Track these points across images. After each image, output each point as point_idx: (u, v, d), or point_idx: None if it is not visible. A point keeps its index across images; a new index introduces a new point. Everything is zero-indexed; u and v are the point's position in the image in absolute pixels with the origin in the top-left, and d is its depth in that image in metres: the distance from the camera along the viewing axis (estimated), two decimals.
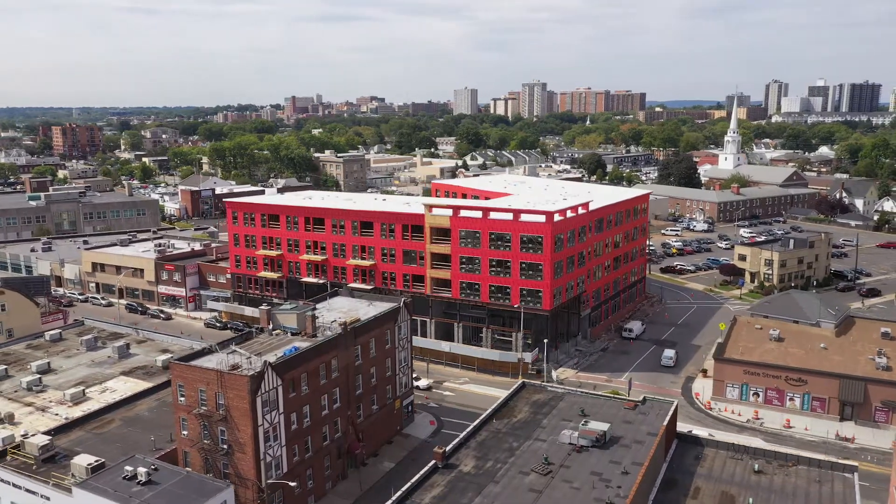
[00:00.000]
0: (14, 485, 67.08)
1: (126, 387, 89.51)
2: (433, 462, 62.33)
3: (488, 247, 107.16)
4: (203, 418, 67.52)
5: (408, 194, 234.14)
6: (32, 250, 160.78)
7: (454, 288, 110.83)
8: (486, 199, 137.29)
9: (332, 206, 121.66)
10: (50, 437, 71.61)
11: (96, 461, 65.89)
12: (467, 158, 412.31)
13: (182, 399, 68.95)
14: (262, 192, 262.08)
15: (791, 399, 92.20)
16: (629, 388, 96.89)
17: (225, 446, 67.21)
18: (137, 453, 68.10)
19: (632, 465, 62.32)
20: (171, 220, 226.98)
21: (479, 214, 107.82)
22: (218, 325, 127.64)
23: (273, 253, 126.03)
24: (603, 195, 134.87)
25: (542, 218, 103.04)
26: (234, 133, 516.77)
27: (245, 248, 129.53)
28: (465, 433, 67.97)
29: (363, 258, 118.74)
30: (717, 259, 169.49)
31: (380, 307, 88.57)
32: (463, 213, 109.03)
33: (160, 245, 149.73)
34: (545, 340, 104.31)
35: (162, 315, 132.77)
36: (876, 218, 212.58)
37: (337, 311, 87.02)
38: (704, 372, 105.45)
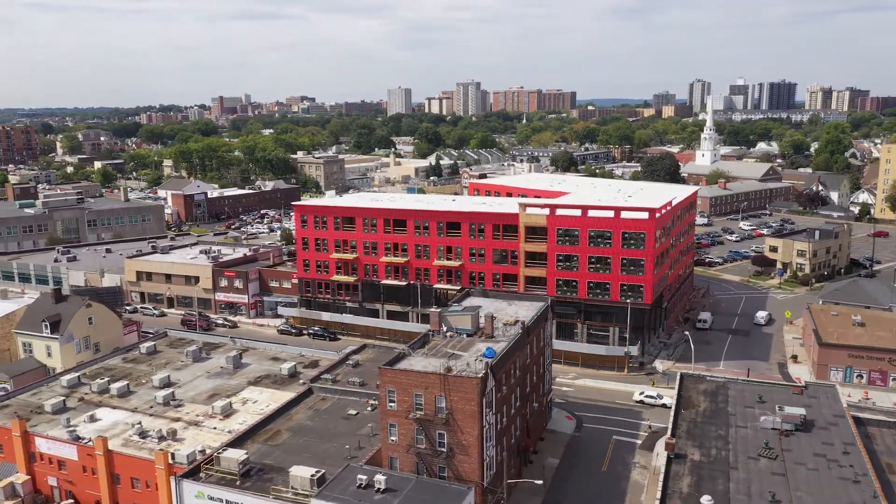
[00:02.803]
0: (228, 501, 65.02)
1: (263, 397, 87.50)
2: (667, 453, 64.44)
3: (587, 244, 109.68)
4: (419, 423, 67.20)
5: (387, 192, 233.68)
6: (56, 261, 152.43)
7: (549, 285, 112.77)
8: (548, 198, 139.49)
9: (415, 208, 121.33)
10: (245, 452, 69.73)
11: (317, 472, 64.80)
12: (431, 159, 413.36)
13: (392, 404, 68.35)
14: (258, 193, 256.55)
15: (894, 379, 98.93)
16: (748, 375, 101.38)
17: (443, 449, 67.14)
18: (329, 463, 67.21)
19: (843, 444, 66.22)
20: (167, 226, 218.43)
21: (577, 213, 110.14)
22: (293, 331, 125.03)
23: (348, 256, 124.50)
24: (652, 192, 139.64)
25: (645, 215, 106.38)
26: (180, 135, 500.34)
27: (315, 252, 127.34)
28: (670, 424, 70.33)
29: (449, 259, 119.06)
30: (739, 251, 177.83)
31: (525, 306, 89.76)
32: (560, 211, 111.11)
33: (208, 251, 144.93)
34: (646, 333, 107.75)
35: (227, 323, 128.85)
36: (857, 210, 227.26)
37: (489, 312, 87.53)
38: (794, 358, 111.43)
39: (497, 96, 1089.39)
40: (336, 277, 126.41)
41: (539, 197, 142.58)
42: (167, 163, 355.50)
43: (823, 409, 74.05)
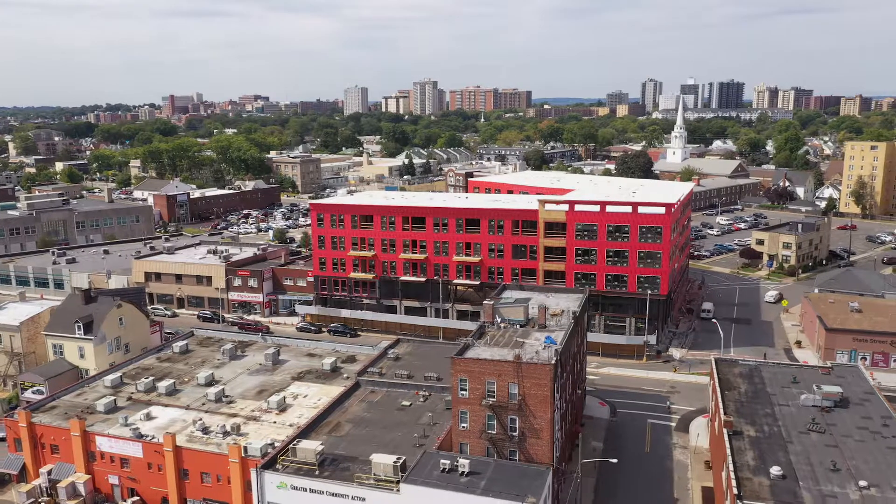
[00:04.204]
0: (311, 490, 66.90)
1: (312, 391, 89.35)
2: (726, 430, 68.98)
3: (605, 238, 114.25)
4: (492, 409, 70.25)
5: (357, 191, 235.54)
6: (55, 263, 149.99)
7: (568, 278, 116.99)
8: (551, 194, 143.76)
9: (435, 206, 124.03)
10: (321, 443, 71.64)
11: (399, 458, 67.21)
12: (402, 158, 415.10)
13: (464, 392, 71.20)
14: (239, 193, 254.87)
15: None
16: (765, 357, 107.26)
17: (515, 434, 70.35)
18: (400, 451, 69.57)
19: (882, 418, 71.88)
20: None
21: (596, 208, 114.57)
22: (312, 328, 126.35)
23: (366, 253, 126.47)
24: (652, 188, 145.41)
25: (661, 210, 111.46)
26: (140, 135, 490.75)
27: (332, 250, 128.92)
28: (719, 405, 74.99)
29: (468, 255, 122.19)
30: (723, 244, 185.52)
31: (564, 298, 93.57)
32: (579, 207, 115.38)
33: (216, 251, 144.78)
34: (664, 323, 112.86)
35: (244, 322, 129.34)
36: (824, 205, 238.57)
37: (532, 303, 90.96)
38: (798, 343, 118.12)
39: (454, 95, 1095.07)
40: (353, 275, 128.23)
41: (541, 194, 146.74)
42: (134, 163, 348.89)
43: (854, 387, 79.77)
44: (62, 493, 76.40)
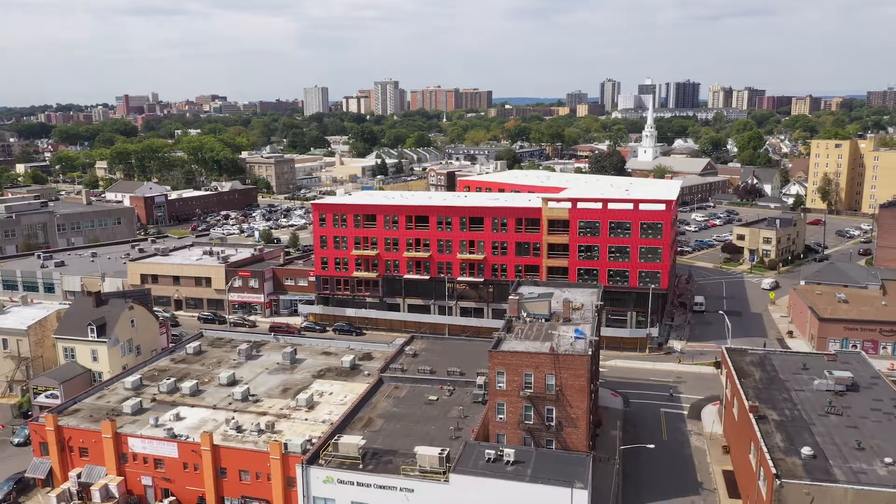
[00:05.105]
0: (359, 483, 68.11)
1: (336, 388, 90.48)
2: (752, 415, 72.42)
3: (607, 235, 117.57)
4: (529, 400, 72.48)
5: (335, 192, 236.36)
6: (43, 266, 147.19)
7: (571, 274, 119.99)
8: (543, 192, 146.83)
9: (438, 204, 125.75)
10: (362, 437, 72.87)
11: (443, 450, 68.90)
12: (372, 158, 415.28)
13: (501, 385, 73.31)
14: (217, 195, 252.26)
15: (884, 347, 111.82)
16: (764, 346, 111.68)
17: (552, 423, 72.72)
18: (437, 444, 71.27)
19: (892, 400, 76.26)
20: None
21: (598, 206, 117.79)
22: (317, 327, 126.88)
23: (369, 252, 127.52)
24: (641, 186, 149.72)
25: (662, 206, 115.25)
26: (100, 136, 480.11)
27: (334, 250, 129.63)
28: (740, 391, 78.54)
29: (472, 252, 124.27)
30: (703, 240, 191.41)
31: (579, 292, 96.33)
32: (581, 205, 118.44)
33: (212, 252, 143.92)
34: (663, 316, 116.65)
35: (247, 323, 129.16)
36: (791, 201, 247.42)
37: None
38: (790, 333, 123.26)
39: (415, 95, 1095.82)
40: (356, 274, 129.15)
41: (534, 192, 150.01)
42: (100, 164, 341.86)
43: (860, 372, 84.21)
44: (96, 496, 76.05)
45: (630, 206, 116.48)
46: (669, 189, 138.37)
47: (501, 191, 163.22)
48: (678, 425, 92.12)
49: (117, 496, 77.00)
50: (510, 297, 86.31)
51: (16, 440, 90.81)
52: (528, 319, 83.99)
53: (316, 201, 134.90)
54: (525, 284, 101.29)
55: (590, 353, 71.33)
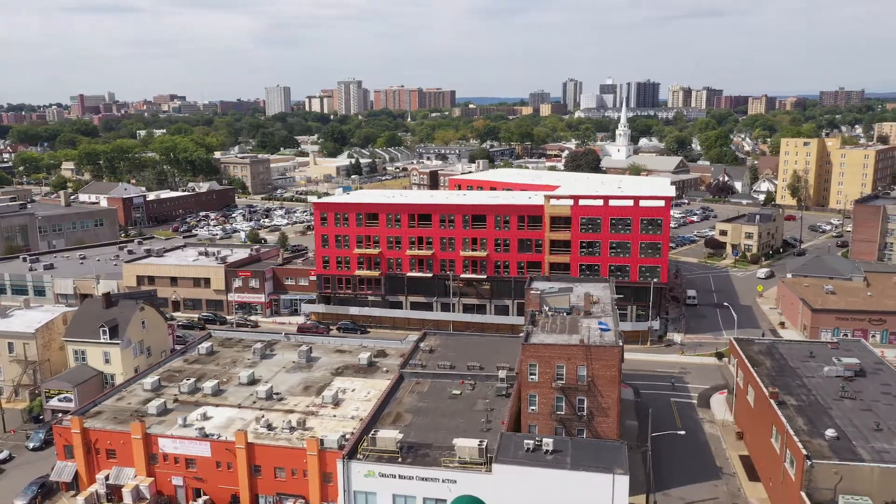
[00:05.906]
0: (401, 476, 69.18)
1: (358, 385, 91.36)
2: (773, 400, 75.60)
3: (608, 231, 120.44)
4: (561, 391, 74.47)
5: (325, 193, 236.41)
6: (31, 269, 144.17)
7: (573, 269, 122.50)
8: (536, 191, 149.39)
9: (442, 202, 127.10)
10: (399, 432, 73.90)
11: (482, 441, 70.42)
12: (343, 157, 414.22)
13: (533, 377, 75.16)
14: (195, 195, 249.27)
15: (873, 336, 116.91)
16: (763, 335, 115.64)
17: (583, 413, 74.83)
18: (469, 435, 72.64)
19: None
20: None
21: (599, 203, 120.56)
22: (321, 326, 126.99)
23: (372, 251, 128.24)
24: (632, 183, 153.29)
25: (661, 203, 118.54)
26: (62, 136, 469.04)
27: (336, 249, 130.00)
28: (756, 378, 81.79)
29: (475, 249, 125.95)
30: (684, 236, 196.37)
31: (591, 287, 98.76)
32: (583, 202, 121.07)
33: (207, 253, 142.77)
34: (662, 310, 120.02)
35: (249, 323, 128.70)
36: (762, 198, 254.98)
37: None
38: (782, 324, 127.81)
39: (378, 95, 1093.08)
40: (358, 272, 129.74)
41: (526, 190, 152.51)
42: (66, 165, 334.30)
43: (864, 358, 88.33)
44: (127, 497, 75.68)
45: (630, 202, 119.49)
46: (664, 186, 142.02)
47: (493, 189, 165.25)
48: (689, 413, 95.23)
49: (148, 497, 76.70)
50: (529, 292, 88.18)
51: (31, 444, 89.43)
52: (549, 313, 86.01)
53: (318, 200, 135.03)
54: (538, 280, 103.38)
55: (620, 344, 73.61)
